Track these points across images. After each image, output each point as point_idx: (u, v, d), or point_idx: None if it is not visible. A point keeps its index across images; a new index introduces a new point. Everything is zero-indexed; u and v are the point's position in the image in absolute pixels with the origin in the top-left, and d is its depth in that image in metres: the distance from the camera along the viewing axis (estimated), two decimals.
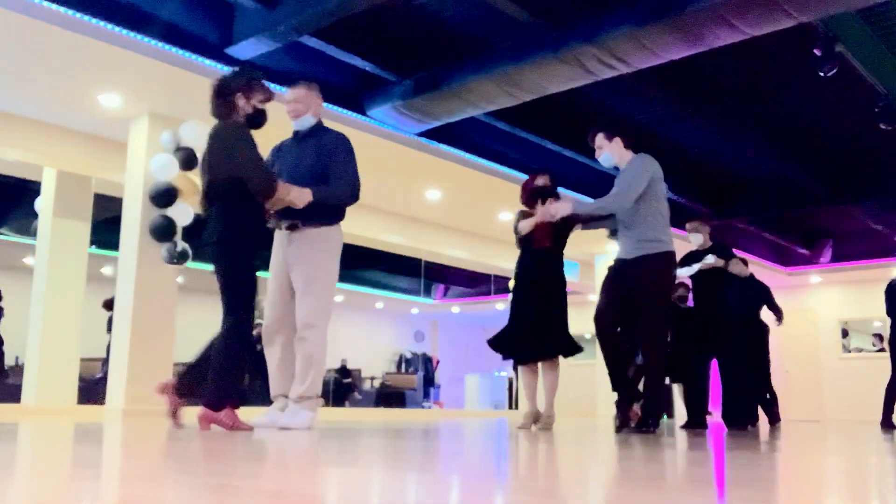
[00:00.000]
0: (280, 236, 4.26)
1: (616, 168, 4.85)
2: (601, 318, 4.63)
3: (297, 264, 4.15)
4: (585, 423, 7.93)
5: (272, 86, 6.72)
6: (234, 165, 3.86)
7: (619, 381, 4.67)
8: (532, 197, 5.31)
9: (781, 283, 14.65)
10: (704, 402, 6.41)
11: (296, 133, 4.40)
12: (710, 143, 9.36)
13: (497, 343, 5.21)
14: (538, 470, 1.97)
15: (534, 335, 5.05)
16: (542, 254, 5.19)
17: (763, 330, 7.69)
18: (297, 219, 4.13)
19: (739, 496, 1.38)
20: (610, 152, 4.79)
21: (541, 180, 5.35)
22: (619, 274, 4.66)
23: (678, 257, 5.92)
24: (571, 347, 5.13)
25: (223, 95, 4.00)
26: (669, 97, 7.83)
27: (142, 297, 6.61)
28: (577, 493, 1.43)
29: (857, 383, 14.56)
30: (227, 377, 3.80)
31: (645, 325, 4.49)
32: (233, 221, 3.87)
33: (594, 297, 12.47)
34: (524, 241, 5.25)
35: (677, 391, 9.09)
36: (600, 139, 4.82)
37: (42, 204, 7.88)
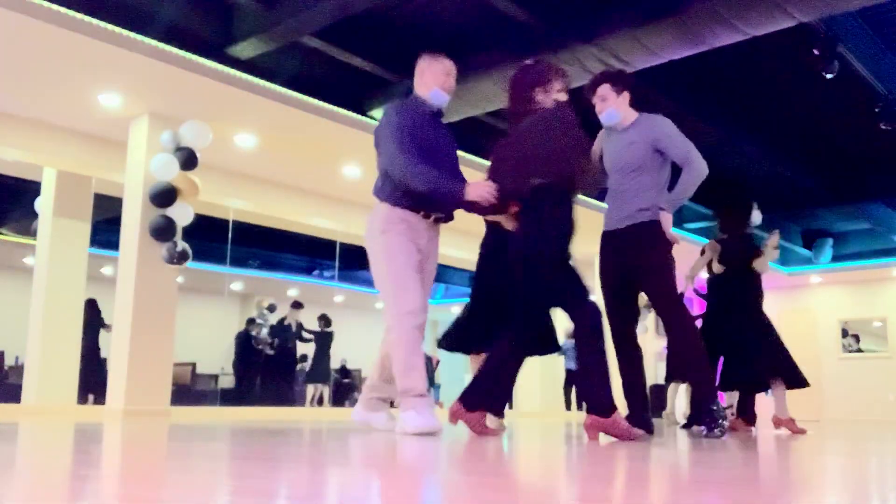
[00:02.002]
0: (414, 224, 3.80)
1: (614, 129, 4.20)
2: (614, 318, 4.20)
3: (434, 256, 3.95)
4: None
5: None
6: (562, 161, 3.46)
7: (635, 388, 4.28)
8: None
9: (781, 283, 14.66)
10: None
11: (438, 112, 3.98)
12: (710, 143, 9.36)
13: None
14: (537, 470, 1.97)
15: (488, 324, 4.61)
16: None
17: None
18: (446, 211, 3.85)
19: (740, 496, 1.38)
20: (616, 108, 4.11)
21: None
22: (615, 251, 4.15)
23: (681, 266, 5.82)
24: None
25: (519, 91, 3.64)
26: (670, 97, 7.83)
27: (142, 297, 6.61)
28: (574, 492, 1.43)
29: (857, 383, 14.57)
30: (604, 383, 3.43)
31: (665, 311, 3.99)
32: (551, 227, 3.50)
33: (593, 298, 12.32)
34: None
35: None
36: (606, 90, 4.12)
37: (42, 204, 7.87)
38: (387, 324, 3.77)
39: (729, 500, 1.31)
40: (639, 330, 4.69)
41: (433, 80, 3.89)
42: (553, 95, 3.64)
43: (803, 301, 15.23)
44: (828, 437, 4.71)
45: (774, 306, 15.34)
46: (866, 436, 5.10)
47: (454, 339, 4.70)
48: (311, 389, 12.07)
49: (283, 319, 12.36)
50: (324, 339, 12.22)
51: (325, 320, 12.31)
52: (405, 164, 3.63)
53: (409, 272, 3.71)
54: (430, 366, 17.35)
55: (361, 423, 4.10)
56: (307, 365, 12.56)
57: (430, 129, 3.85)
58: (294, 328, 12.28)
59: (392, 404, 4.12)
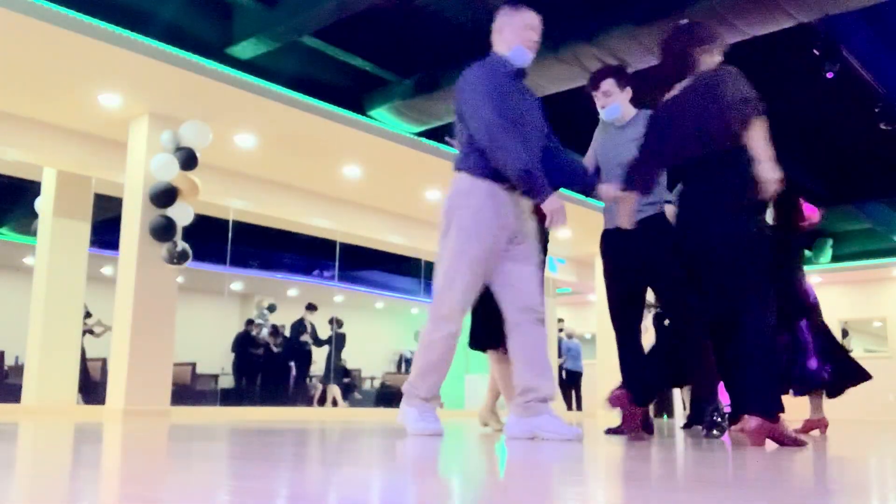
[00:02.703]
0: (500, 199, 3.36)
1: (612, 125, 4.17)
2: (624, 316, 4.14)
3: (530, 234, 3.48)
4: (586, 423, 7.92)
5: None
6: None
7: (634, 384, 4.38)
8: None
9: None
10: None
11: (521, 72, 3.55)
12: None
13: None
14: (537, 470, 1.96)
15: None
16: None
17: None
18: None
19: (740, 496, 1.38)
20: (620, 103, 4.12)
21: None
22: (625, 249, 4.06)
23: None
24: None
25: (677, 51, 3.38)
26: None
27: (142, 297, 6.61)
28: (574, 492, 1.42)
29: None
30: (773, 380, 3.12)
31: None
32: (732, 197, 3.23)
33: (593, 297, 12.31)
34: None
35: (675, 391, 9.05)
36: (610, 85, 4.13)
37: (42, 204, 7.88)
38: (428, 315, 3.38)
39: (729, 500, 1.31)
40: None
41: (514, 35, 3.47)
42: (714, 57, 3.42)
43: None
44: (827, 437, 4.71)
45: None
46: (866, 436, 5.09)
47: (481, 338, 4.58)
48: (329, 390, 12.13)
49: (300, 320, 12.35)
50: (338, 341, 12.29)
51: (336, 322, 12.35)
52: (501, 136, 3.22)
53: (467, 269, 3.30)
54: None
55: (524, 434, 3.37)
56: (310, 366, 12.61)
57: (515, 93, 3.43)
58: (309, 329, 12.31)
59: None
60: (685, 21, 3.53)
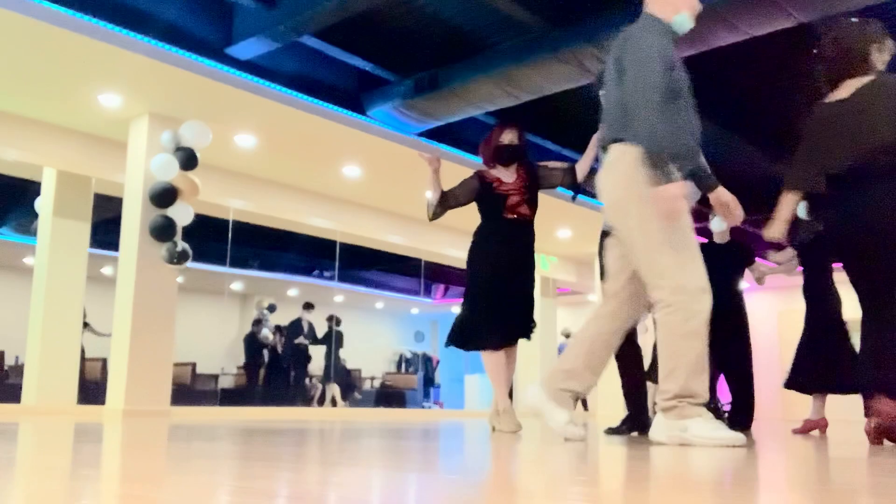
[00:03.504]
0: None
1: None
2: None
3: None
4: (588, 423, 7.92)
5: None
6: None
7: (634, 387, 4.32)
8: (498, 156, 4.52)
9: (782, 283, 14.64)
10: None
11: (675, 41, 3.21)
12: (709, 143, 9.35)
13: (469, 334, 4.35)
14: (536, 470, 1.96)
15: (517, 316, 4.32)
16: (521, 225, 4.47)
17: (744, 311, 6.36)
18: None
19: (739, 496, 1.38)
20: None
21: (508, 136, 4.49)
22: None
23: None
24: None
25: (851, 48, 3.21)
26: None
27: (142, 297, 6.61)
28: (573, 492, 1.42)
29: None
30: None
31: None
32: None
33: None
34: (494, 210, 4.53)
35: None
36: None
37: (42, 204, 7.88)
38: (664, 300, 2.88)
39: (728, 500, 1.31)
40: (639, 329, 4.70)
41: (684, 0, 3.14)
42: (885, 56, 3.26)
43: (803, 301, 15.20)
44: (827, 437, 4.71)
45: (775, 306, 15.34)
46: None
47: (465, 337, 4.43)
48: (329, 389, 12.15)
49: (297, 320, 12.37)
50: (336, 339, 12.30)
51: (334, 320, 12.36)
52: (654, 110, 2.85)
53: (693, 236, 2.89)
54: (430, 366, 17.39)
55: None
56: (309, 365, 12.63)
57: (679, 63, 3.06)
58: (307, 329, 12.33)
59: (585, 405, 3.57)
60: (854, 17, 3.40)
